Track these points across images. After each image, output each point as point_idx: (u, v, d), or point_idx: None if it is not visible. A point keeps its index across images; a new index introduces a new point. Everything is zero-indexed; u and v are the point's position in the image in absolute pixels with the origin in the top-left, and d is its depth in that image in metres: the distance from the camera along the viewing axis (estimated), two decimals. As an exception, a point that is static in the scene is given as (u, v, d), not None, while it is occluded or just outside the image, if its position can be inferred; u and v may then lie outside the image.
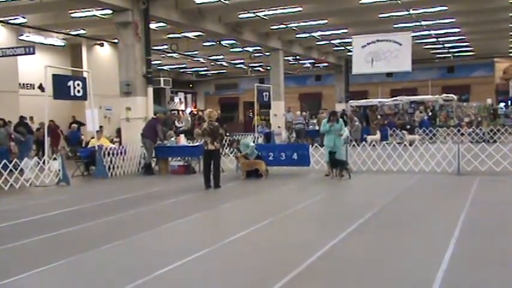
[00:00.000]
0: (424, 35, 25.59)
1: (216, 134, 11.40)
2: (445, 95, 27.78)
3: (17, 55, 18.33)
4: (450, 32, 25.51)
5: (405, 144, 14.76)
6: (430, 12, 20.43)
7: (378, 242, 6.45)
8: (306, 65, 36.77)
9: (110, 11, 16.46)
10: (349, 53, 27.78)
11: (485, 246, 6.10)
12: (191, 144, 15.71)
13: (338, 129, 12.68)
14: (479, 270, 5.24)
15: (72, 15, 18.70)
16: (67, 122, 21.22)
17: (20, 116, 18.94)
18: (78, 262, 5.91)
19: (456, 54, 33.35)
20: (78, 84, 13.65)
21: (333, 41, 27.58)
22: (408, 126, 22.64)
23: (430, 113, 26.26)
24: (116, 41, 18.14)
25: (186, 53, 28.89)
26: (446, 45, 29.89)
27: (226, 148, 13.70)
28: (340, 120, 13.31)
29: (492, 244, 6.19)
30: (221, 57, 32.27)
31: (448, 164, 12.89)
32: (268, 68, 28.33)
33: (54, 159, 13.41)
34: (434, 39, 27.63)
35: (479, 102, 28.46)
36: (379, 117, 24.80)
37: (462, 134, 22.54)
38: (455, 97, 27.05)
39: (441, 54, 33.46)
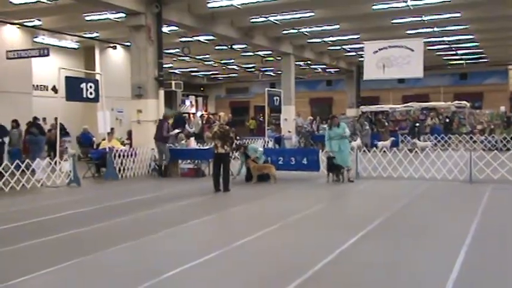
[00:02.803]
0: (436, 41, 25.42)
1: (226, 138, 11.41)
2: (457, 102, 27.53)
3: (31, 57, 18.69)
4: (463, 39, 25.33)
5: (416, 151, 14.62)
6: (443, 18, 20.28)
7: (388, 249, 6.40)
8: (317, 70, 36.73)
9: (123, 14, 16.60)
10: (360, 59, 27.67)
11: (497, 255, 6.04)
12: (201, 147, 15.78)
13: (340, 133, 12.80)
14: (490, 279, 5.18)
15: (86, 18, 18.89)
16: (78, 124, 21.29)
17: (33, 117, 19.13)
18: (87, 263, 5.95)
19: (469, 61, 33.08)
20: (90, 87, 13.80)
21: (344, 46, 27.53)
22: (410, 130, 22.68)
23: (447, 120, 25.91)
24: (128, 44, 18.27)
25: (197, 57, 29.03)
26: (459, 51, 29.67)
27: (232, 154, 13.65)
28: (342, 123, 13.33)
29: (504, 253, 6.12)
30: (232, 61, 32.36)
31: (459, 171, 12.76)
32: (280, 72, 28.34)
33: (65, 160, 13.51)
34: (447, 46, 27.44)
35: (492, 110, 28.16)
36: (386, 124, 24.57)
37: (475, 142, 22.31)
38: (467, 104, 26.80)
39: (454, 61, 33.21)
